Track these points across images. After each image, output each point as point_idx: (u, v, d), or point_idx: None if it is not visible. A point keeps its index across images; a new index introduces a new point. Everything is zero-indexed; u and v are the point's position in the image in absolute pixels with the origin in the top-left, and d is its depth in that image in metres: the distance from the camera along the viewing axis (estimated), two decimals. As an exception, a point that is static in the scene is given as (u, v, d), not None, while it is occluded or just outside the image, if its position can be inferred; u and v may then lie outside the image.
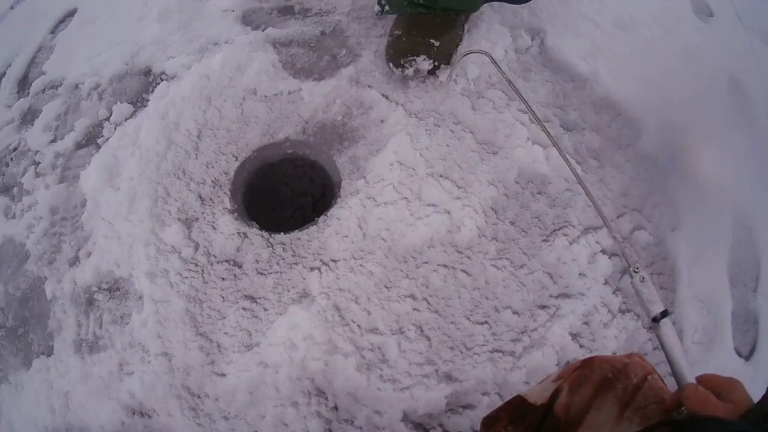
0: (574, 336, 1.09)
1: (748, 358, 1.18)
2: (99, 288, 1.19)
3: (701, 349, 1.14)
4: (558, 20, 1.37)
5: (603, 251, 1.14)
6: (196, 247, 1.13)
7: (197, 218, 1.15)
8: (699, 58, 1.41)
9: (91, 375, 1.17)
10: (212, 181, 1.17)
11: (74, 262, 1.23)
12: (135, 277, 1.15)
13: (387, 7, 1.20)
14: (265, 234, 1.12)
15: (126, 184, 1.19)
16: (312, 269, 1.09)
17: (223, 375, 1.08)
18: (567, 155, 1.18)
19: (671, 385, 0.69)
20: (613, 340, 1.10)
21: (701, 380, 0.64)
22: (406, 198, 1.12)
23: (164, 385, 1.10)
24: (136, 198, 1.18)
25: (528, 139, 1.21)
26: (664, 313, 0.71)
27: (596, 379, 0.71)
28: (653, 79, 1.33)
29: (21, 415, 1.26)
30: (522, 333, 1.08)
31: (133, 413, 1.13)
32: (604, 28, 1.40)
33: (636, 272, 0.75)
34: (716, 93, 1.40)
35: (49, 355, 1.23)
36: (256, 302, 1.09)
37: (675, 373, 0.67)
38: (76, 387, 1.18)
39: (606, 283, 1.13)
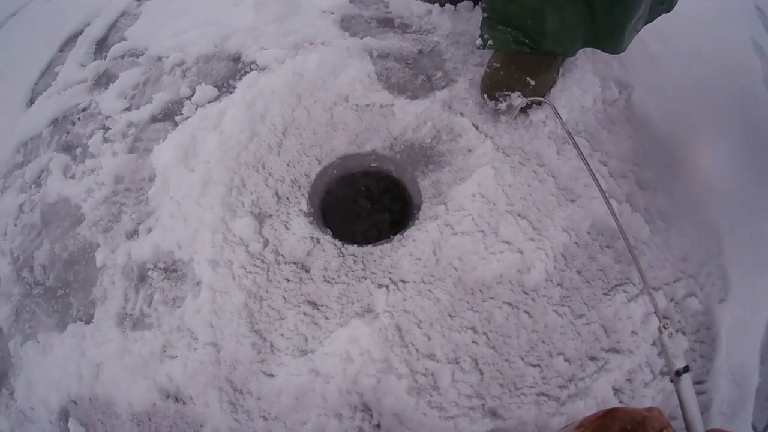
0: (616, 391, 1.13)
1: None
2: (155, 266, 1.22)
3: (723, 419, 1.18)
4: (645, 77, 1.43)
5: (655, 312, 1.19)
6: (266, 244, 1.16)
7: (271, 215, 1.18)
8: (765, 130, 1.47)
9: (130, 351, 1.19)
10: (291, 181, 1.21)
11: (132, 234, 1.26)
12: (196, 262, 1.18)
13: (490, 42, 1.25)
14: (338, 243, 1.16)
15: (202, 167, 1.23)
16: (380, 286, 1.12)
17: (272, 375, 1.10)
18: (636, 212, 1.25)
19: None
20: (650, 399, 1.13)
21: None
22: (483, 231, 1.16)
23: (207, 375, 1.13)
24: (210, 183, 1.21)
25: (605, 191, 1.25)
26: (686, 369, 0.76)
27: (616, 429, 0.75)
28: (725, 147, 1.39)
29: (44, 375, 1.28)
30: (569, 381, 1.12)
31: (168, 397, 1.15)
32: (686, 90, 1.46)
33: (666, 328, 0.80)
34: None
35: (87, 323, 1.25)
36: (318, 309, 1.12)
37: (688, 427, 0.72)
38: (111, 360, 1.20)
39: (653, 344, 1.17)
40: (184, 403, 1.14)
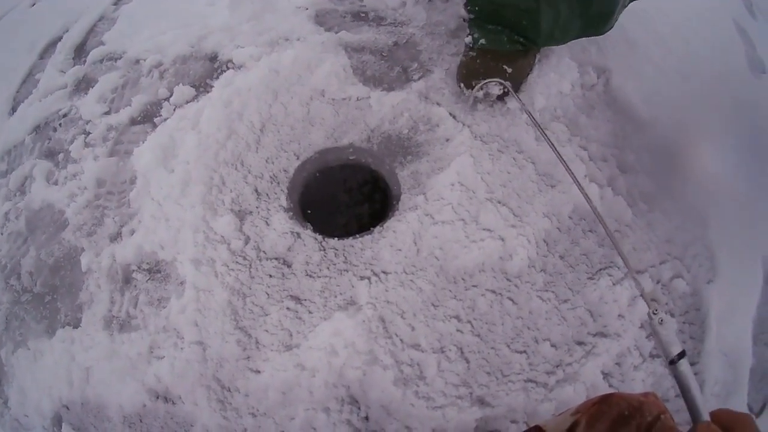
0: (606, 375, 1.12)
1: (759, 413, 1.22)
2: (139, 267, 1.21)
3: (718, 401, 1.17)
4: (624, 61, 1.42)
5: (642, 296, 1.18)
6: (247, 241, 1.15)
7: (251, 212, 1.17)
8: (748, 112, 1.45)
9: (118, 353, 1.18)
10: (270, 177, 1.20)
11: (116, 237, 1.25)
12: (179, 261, 1.17)
13: (482, 41, 1.24)
14: (319, 237, 1.15)
15: (181, 167, 1.22)
16: (362, 278, 1.11)
17: (258, 372, 1.10)
18: (619, 196, 1.24)
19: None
20: (641, 383, 1.12)
21: (714, 415, 0.67)
22: (463, 219, 1.15)
23: (195, 374, 1.12)
24: (190, 183, 1.20)
25: (585, 176, 1.24)
26: (681, 354, 0.74)
27: (613, 415, 0.74)
28: (710, 129, 1.38)
29: (35, 382, 1.27)
30: (557, 366, 1.11)
31: (157, 397, 1.15)
32: (666, 73, 1.44)
33: (655, 314, 0.78)
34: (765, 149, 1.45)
35: (75, 327, 1.24)
36: (301, 304, 1.11)
37: (690, 411, 0.70)
38: (100, 363, 1.20)
39: (641, 326, 1.16)
40: (173, 403, 1.14)
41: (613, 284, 1.17)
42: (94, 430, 1.21)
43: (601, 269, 1.19)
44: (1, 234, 1.42)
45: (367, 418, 1.07)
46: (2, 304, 1.36)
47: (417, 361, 1.08)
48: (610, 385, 1.12)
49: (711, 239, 1.26)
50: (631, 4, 1.25)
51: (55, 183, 1.37)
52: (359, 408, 1.07)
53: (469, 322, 1.11)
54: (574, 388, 1.09)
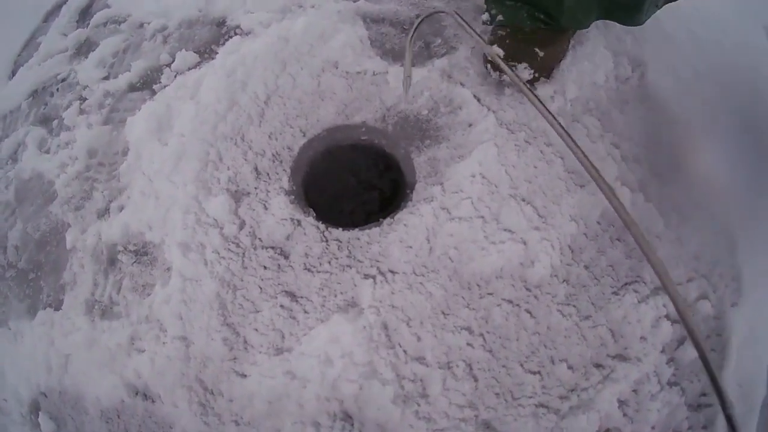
0: (621, 403, 0.99)
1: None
2: (125, 248, 1.10)
3: None
4: (659, 56, 1.26)
5: (667, 316, 1.03)
6: (242, 226, 1.03)
7: (248, 193, 1.05)
8: None
9: (98, 342, 1.08)
10: (273, 155, 1.07)
11: (103, 213, 1.14)
12: (167, 245, 1.06)
13: (500, 18, 1.09)
14: (322, 226, 1.01)
15: (175, 140, 1.10)
16: (366, 276, 0.98)
17: (244, 376, 0.98)
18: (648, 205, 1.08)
19: None
20: (656, 413, 1.00)
21: None
22: (482, 217, 1.00)
23: (176, 373, 1.01)
24: (183, 157, 1.08)
25: (617, 178, 1.09)
26: None
27: None
28: (737, 141, 1.23)
29: (15, 366, 1.19)
30: (571, 391, 0.98)
31: (136, 394, 1.05)
32: (701, 75, 1.27)
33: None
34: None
35: (57, 309, 1.15)
36: (297, 301, 0.98)
37: None
38: (79, 351, 1.10)
39: (663, 351, 1.02)
40: (152, 401, 1.04)
41: (639, 302, 1.03)
42: (71, 421, 1.12)
43: (627, 284, 1.04)
44: (-9, 203, 1.33)
45: (361, 436, 0.94)
46: (-17, 281, 1.28)
47: (420, 376, 0.95)
48: (625, 415, 0.99)
49: (739, 258, 1.13)
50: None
51: (47, 151, 1.26)
52: (353, 426, 0.94)
53: (482, 335, 0.97)
54: (587, 417, 0.96)
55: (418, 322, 0.96)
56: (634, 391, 0.99)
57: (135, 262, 1.08)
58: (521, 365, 0.97)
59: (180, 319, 1.01)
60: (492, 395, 0.95)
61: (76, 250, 1.15)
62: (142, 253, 1.09)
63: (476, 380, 0.95)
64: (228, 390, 0.98)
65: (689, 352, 1.01)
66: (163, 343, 1.02)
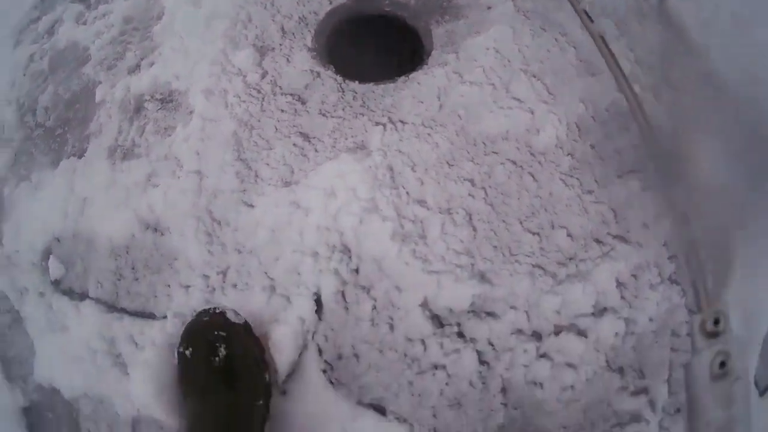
0: (620, 284, 1.00)
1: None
2: (152, 97, 1.18)
3: None
4: None
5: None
6: (264, 75, 1.10)
7: (273, 48, 1.13)
8: None
9: (116, 183, 1.15)
10: (299, 18, 1.15)
11: (134, 69, 1.22)
12: (191, 91, 1.13)
13: None
14: (339, 78, 1.08)
15: (209, 2, 1.18)
16: (377, 124, 1.04)
17: (251, 206, 1.04)
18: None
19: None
20: (654, 305, 1.00)
21: None
22: (493, 84, 1.07)
23: (187, 204, 1.07)
24: (215, 17, 1.17)
25: (629, 74, 1.14)
26: None
27: None
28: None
29: (32, 215, 1.25)
30: (570, 259, 1.00)
31: (147, 228, 1.10)
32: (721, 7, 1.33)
33: None
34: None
35: (80, 157, 1.22)
36: (309, 141, 1.04)
37: None
38: (97, 193, 1.16)
39: (665, 245, 1.03)
40: (161, 234, 1.09)
41: (643, 190, 1.06)
42: (80, 262, 1.17)
43: (632, 171, 1.08)
44: (24, 75, 1.41)
45: (357, 270, 0.99)
46: (14, 142, 1.34)
47: (420, 218, 0.99)
48: (623, 297, 1.00)
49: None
50: None
51: (84, 23, 1.35)
52: (350, 258, 0.99)
53: (484, 189, 1.01)
54: (583, 289, 0.99)
55: (423, 168, 1.01)
56: (633, 276, 1.00)
57: (160, 108, 1.16)
58: (521, 223, 1.01)
59: (197, 154, 1.08)
60: (490, 247, 0.99)
61: (104, 102, 1.22)
62: (168, 100, 1.16)
63: (475, 230, 0.99)
64: (234, 219, 1.04)
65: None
66: (178, 177, 1.08)
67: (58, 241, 1.20)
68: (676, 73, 1.20)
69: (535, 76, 1.09)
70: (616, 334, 0.97)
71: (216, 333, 0.85)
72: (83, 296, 1.15)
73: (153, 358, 1.06)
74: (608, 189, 1.05)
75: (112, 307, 1.13)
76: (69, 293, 1.18)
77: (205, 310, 0.90)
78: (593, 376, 0.97)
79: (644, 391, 0.97)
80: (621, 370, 0.97)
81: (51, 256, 1.19)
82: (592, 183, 1.05)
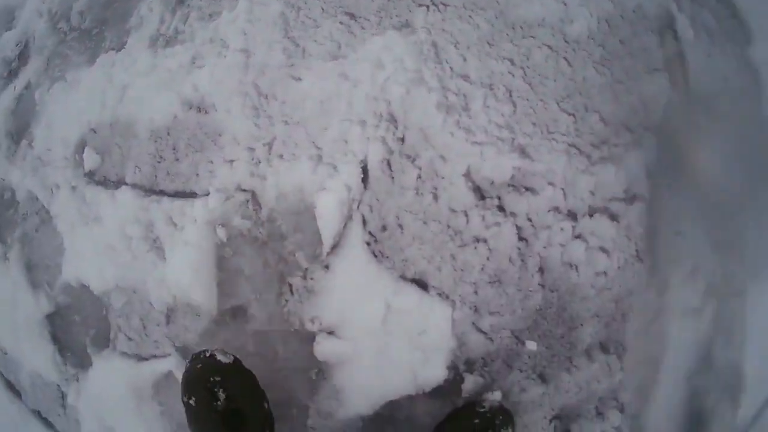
0: (649, 173, 1.06)
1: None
2: (196, -14, 1.20)
3: None
4: None
5: None
6: (309, -41, 1.14)
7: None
8: None
9: (158, 67, 1.17)
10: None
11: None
12: (239, -21, 1.16)
13: None
14: (383, -38, 1.13)
15: None
16: (420, 5, 1.09)
17: (299, 79, 1.07)
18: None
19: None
20: None
21: None
22: (527, -24, 1.12)
23: (234, 81, 1.10)
24: None
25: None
26: None
27: None
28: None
29: (66, 111, 1.27)
30: (603, 143, 1.06)
31: (190, 107, 1.13)
32: None
33: None
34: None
35: (119, 50, 1.23)
36: (355, 20, 1.09)
37: None
38: (138, 79, 1.19)
39: None
40: (205, 113, 1.12)
41: (671, 87, 1.12)
42: (118, 150, 1.18)
43: (658, 69, 1.14)
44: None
45: (402, 139, 1.02)
46: (46, 48, 1.36)
47: (464, 91, 1.04)
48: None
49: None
50: None
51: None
52: (396, 127, 1.03)
53: (522, 68, 1.07)
54: (615, 172, 1.05)
55: (465, 46, 1.06)
56: None
57: (204, -8, 1.18)
58: (557, 103, 1.06)
59: (244, 34, 1.11)
60: (529, 123, 1.04)
61: (145, -3, 1.24)
62: (214, -12, 1.18)
63: (515, 106, 1.04)
64: (282, 93, 1.07)
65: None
66: (224, 56, 1.11)
67: (94, 132, 1.21)
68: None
69: (565, -27, 1.16)
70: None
71: (212, 379, 0.92)
72: (119, 183, 1.17)
73: (193, 237, 1.08)
74: (638, 82, 1.11)
75: (150, 191, 1.14)
76: (104, 183, 1.19)
77: (195, 355, 0.97)
78: (624, 264, 1.03)
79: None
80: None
81: (86, 147, 1.20)
82: (622, 74, 1.11)
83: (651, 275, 1.04)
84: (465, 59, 1.05)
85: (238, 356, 0.98)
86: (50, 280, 1.25)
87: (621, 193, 1.04)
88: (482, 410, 0.96)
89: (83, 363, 1.23)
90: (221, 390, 0.92)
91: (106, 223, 1.16)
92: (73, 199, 1.20)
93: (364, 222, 1.02)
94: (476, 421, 0.96)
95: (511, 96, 1.05)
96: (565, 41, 1.10)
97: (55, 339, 1.26)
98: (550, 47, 1.09)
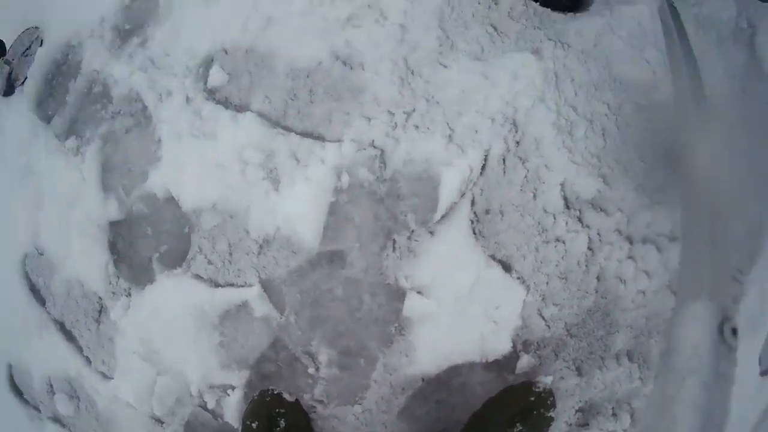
0: None
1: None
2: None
3: None
4: None
5: None
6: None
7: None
8: None
9: (313, 12, 1.27)
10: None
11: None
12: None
13: None
14: (526, -3, 1.33)
15: None
16: (550, 39, 1.23)
17: (445, 66, 1.22)
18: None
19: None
20: None
21: None
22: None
23: (388, 48, 1.23)
24: None
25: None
26: None
27: None
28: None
29: (199, 24, 1.32)
30: (661, 191, 1.22)
31: (337, 59, 1.25)
32: None
33: None
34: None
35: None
36: (498, 33, 1.22)
37: None
38: (288, 17, 1.27)
39: None
40: (351, 68, 1.23)
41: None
42: (248, 76, 1.26)
43: None
44: None
45: (519, 143, 1.20)
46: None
47: (572, 119, 1.20)
48: None
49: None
50: None
51: None
52: (517, 131, 1.21)
53: (615, 115, 1.22)
54: (666, 213, 1.21)
55: (578, 84, 1.19)
56: None
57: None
58: (634, 149, 1.21)
59: (404, 12, 1.24)
60: (613, 159, 1.19)
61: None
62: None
63: (605, 142, 1.20)
64: (428, 73, 1.22)
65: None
66: (382, 25, 1.24)
67: (226, 52, 1.28)
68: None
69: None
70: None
71: (277, 410, 1.13)
72: (243, 108, 1.24)
73: (317, 175, 1.18)
74: None
75: (276, 124, 1.22)
76: (225, 103, 1.26)
77: (263, 391, 1.18)
78: (658, 290, 1.22)
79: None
80: (676, 294, 1.20)
81: (214, 64, 1.25)
82: None
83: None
84: (576, 94, 1.26)
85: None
86: (129, 185, 1.27)
87: (667, 231, 1.24)
88: (537, 390, 1.13)
89: (141, 278, 1.26)
90: (282, 420, 1.12)
91: (221, 141, 1.23)
92: (187, 109, 1.26)
93: (473, 202, 1.19)
94: (531, 399, 1.13)
95: (603, 134, 1.26)
96: (650, 103, 1.36)
97: (114, 248, 1.27)
98: (637, 104, 1.34)
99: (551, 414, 1.14)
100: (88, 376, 1.32)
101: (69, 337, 1.32)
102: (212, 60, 1.27)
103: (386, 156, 1.18)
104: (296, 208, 1.18)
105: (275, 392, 1.18)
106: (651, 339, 1.24)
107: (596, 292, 1.21)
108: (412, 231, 1.18)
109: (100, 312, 1.29)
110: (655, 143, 1.31)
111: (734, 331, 0.97)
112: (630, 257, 1.23)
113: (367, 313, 1.19)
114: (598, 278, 1.21)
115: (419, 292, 1.17)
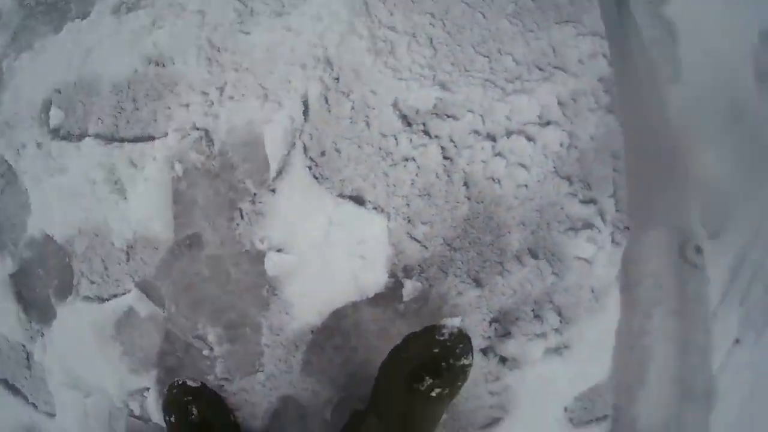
0: (561, 103, 1.23)
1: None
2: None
3: None
4: None
5: (604, 55, 1.29)
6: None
7: None
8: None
9: (121, 30, 1.33)
10: None
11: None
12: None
13: None
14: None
15: None
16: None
17: (248, 33, 1.24)
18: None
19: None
20: (593, 127, 1.20)
21: None
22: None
23: (190, 37, 1.27)
24: None
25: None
26: None
27: None
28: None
29: (33, 75, 1.41)
30: (516, 78, 1.21)
31: (149, 62, 1.28)
32: None
33: None
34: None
35: (83, 19, 1.38)
36: (294, -16, 1.27)
37: None
38: (102, 42, 1.34)
39: (600, 80, 1.23)
40: (163, 66, 1.28)
41: (578, 35, 1.25)
42: (81, 106, 1.33)
43: (567, 21, 1.26)
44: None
45: (338, 79, 1.20)
46: (13, 23, 1.50)
47: (390, 39, 1.23)
48: (564, 114, 1.23)
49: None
50: None
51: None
52: (332, 69, 1.20)
53: (442, 20, 1.26)
54: (528, 100, 1.20)
55: (392, 3, 1.25)
56: (573, 99, 1.20)
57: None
58: (473, 47, 1.23)
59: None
60: (448, 63, 1.22)
61: (107, -28, 1.41)
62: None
63: (435, 50, 1.23)
64: (232, 45, 1.25)
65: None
66: (182, 17, 1.28)
67: (59, 92, 1.35)
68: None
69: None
70: (561, 143, 1.18)
71: (185, 399, 1.15)
72: (82, 136, 1.31)
73: (153, 173, 1.23)
74: (547, 31, 1.27)
75: (111, 139, 1.28)
76: (68, 137, 1.33)
77: (170, 385, 1.19)
78: (543, 179, 1.17)
79: (593, 201, 1.17)
80: (569, 178, 1.17)
81: (51, 106, 1.34)
82: (533, 25, 1.28)
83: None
84: (392, 14, 1.24)
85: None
86: (15, 238, 1.36)
87: (535, 117, 1.19)
88: (441, 338, 0.98)
89: (47, 316, 1.33)
90: (193, 407, 1.14)
91: (71, 172, 1.30)
92: (39, 154, 1.34)
93: (305, 149, 1.19)
94: (435, 350, 0.98)
95: (432, 42, 1.23)
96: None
97: (20, 297, 1.35)
98: (467, 3, 1.28)
99: (465, 361, 0.98)
100: (40, 421, 1.40)
101: (14, 390, 1.42)
102: (50, 102, 1.35)
103: (211, 134, 1.21)
104: (144, 208, 1.22)
105: (179, 382, 1.18)
106: (553, 231, 1.16)
107: (468, 199, 1.17)
108: (254, 195, 1.18)
109: (27, 358, 1.37)
110: (497, 34, 1.25)
111: (698, 249, 0.90)
112: (498, 154, 1.17)
113: (236, 284, 1.19)
114: (466, 184, 1.17)
115: (279, 250, 1.17)
